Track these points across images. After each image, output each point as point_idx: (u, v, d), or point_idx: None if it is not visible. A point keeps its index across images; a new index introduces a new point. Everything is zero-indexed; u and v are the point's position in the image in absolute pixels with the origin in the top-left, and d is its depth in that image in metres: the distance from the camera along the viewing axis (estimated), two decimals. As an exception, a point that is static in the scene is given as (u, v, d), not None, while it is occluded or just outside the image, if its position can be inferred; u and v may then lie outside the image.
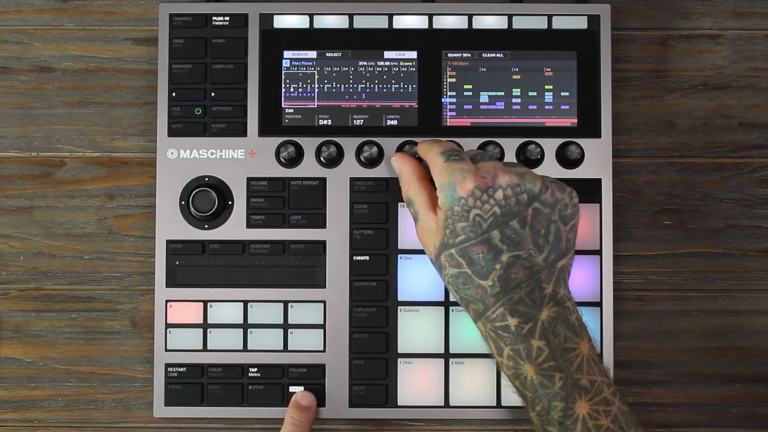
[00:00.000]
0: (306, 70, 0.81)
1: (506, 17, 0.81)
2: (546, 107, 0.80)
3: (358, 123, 0.80)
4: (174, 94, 0.80)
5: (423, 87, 0.80)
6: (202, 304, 0.79)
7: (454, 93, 0.80)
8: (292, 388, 0.79)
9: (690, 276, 0.82)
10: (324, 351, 0.79)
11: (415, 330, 0.79)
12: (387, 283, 0.79)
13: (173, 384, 0.79)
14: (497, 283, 0.68)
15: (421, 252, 0.79)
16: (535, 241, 0.69)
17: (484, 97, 0.80)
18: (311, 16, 0.81)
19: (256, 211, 0.80)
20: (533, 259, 0.69)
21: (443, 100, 0.80)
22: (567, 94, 0.80)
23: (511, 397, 0.74)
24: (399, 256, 0.79)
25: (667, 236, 0.83)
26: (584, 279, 0.79)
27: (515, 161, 0.74)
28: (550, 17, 0.81)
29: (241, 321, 0.79)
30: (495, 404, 0.79)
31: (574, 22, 0.81)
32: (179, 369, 0.79)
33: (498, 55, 0.81)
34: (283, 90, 0.80)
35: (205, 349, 0.79)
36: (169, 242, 0.80)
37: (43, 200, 0.83)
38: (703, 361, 0.82)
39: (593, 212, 0.80)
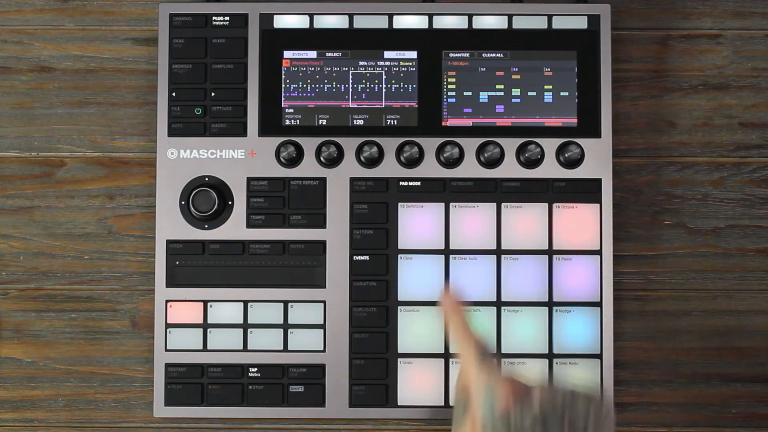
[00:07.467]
0: (306, 70, 0.81)
1: (506, 17, 0.81)
2: (546, 107, 0.80)
3: (358, 123, 0.80)
4: (174, 94, 0.80)
5: (423, 87, 0.80)
6: (202, 304, 0.79)
7: (454, 93, 0.80)
8: (292, 388, 0.79)
9: (690, 276, 0.82)
10: (324, 351, 0.79)
11: (415, 330, 0.79)
12: (387, 283, 0.79)
13: (173, 384, 0.79)
14: None
15: (421, 252, 0.79)
16: None
17: (484, 97, 0.80)
18: (311, 16, 0.81)
19: (256, 211, 0.80)
20: None
21: (443, 100, 0.80)
22: (567, 94, 0.80)
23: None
24: (399, 256, 0.79)
25: (667, 236, 0.83)
26: (584, 279, 0.79)
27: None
28: (550, 17, 0.81)
29: (241, 321, 0.79)
30: (495, 404, 0.78)
31: (574, 22, 0.81)
32: (179, 369, 0.79)
33: (498, 55, 0.81)
34: (283, 90, 0.80)
35: (205, 349, 0.79)
36: (169, 242, 0.80)
37: (43, 200, 0.83)
38: (703, 361, 0.82)
39: (593, 212, 0.80)
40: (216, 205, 0.79)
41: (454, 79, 0.80)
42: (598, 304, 0.79)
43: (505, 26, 0.81)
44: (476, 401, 0.68)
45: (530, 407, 0.66)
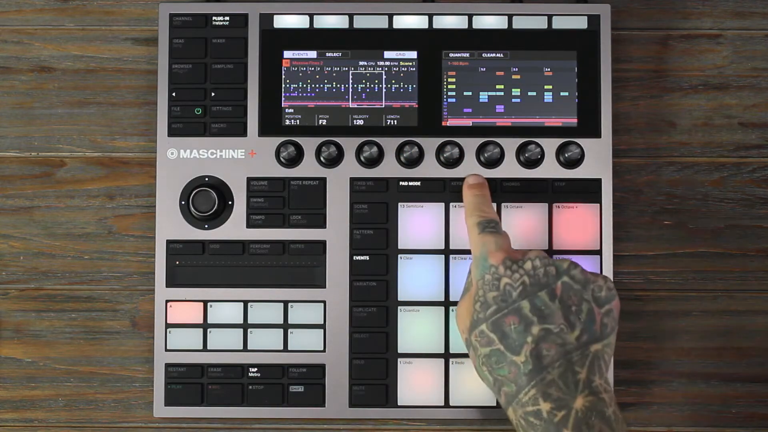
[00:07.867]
0: (306, 70, 0.81)
1: (506, 17, 0.81)
2: (546, 107, 0.80)
3: (358, 123, 0.80)
4: (174, 94, 0.80)
5: (423, 87, 0.80)
6: (202, 304, 0.79)
7: (454, 93, 0.80)
8: (292, 388, 0.79)
9: (690, 276, 0.82)
10: (324, 351, 0.79)
11: (415, 330, 0.79)
12: (387, 283, 0.79)
13: (173, 384, 0.79)
14: (529, 359, 0.66)
15: (421, 252, 0.79)
16: (566, 317, 0.67)
17: (484, 97, 0.80)
18: (311, 16, 0.81)
19: (256, 211, 0.80)
20: (564, 335, 0.67)
21: (443, 100, 0.80)
22: (567, 94, 0.80)
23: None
24: (399, 256, 0.79)
25: (667, 236, 0.83)
26: (584, 279, 0.79)
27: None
28: (550, 17, 0.81)
29: (241, 321, 0.79)
30: (495, 404, 0.79)
31: (574, 22, 0.81)
32: (179, 369, 0.79)
33: (498, 55, 0.81)
34: (283, 90, 0.80)
35: (205, 349, 0.79)
36: (169, 242, 0.80)
37: (43, 200, 0.83)
38: (703, 361, 0.82)
39: (593, 212, 0.80)
40: (216, 205, 0.79)
41: (454, 79, 0.80)
42: (598, 304, 0.79)
43: (505, 26, 0.81)
44: (473, 271, 0.70)
45: (520, 274, 0.67)
